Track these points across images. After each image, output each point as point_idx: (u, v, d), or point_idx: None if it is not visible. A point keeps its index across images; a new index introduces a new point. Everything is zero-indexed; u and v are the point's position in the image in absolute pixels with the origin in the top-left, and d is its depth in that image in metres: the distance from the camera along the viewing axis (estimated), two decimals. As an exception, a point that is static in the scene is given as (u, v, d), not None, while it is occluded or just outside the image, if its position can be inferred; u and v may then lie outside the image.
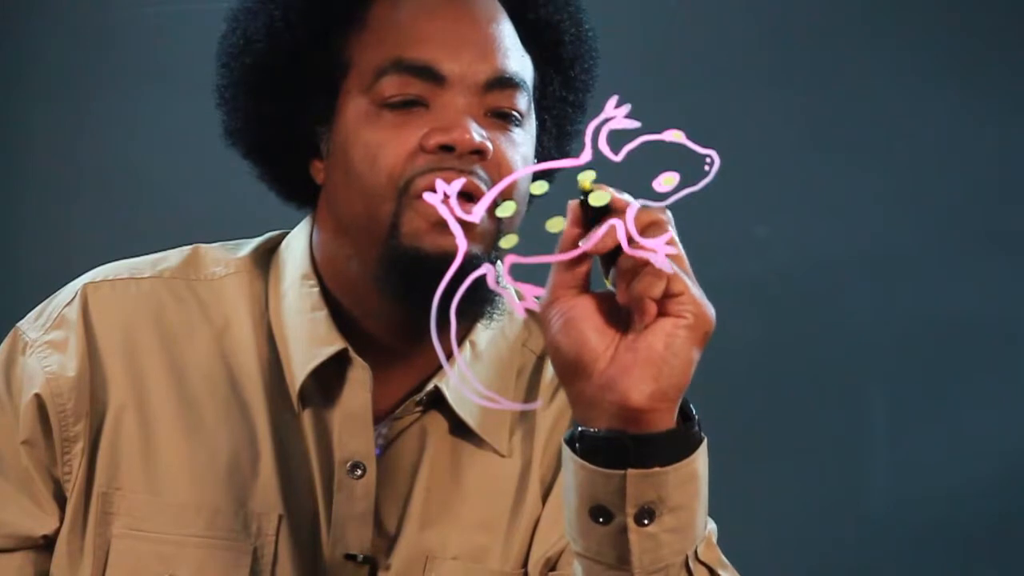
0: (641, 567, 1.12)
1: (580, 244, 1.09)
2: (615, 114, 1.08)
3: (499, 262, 1.16)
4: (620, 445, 1.10)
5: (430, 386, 1.38)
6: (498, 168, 1.30)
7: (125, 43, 2.77)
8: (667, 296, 1.09)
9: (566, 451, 1.13)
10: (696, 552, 1.15)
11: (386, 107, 1.32)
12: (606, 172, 1.10)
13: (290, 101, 1.36)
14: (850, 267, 2.56)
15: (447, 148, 1.30)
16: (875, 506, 2.55)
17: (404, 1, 1.35)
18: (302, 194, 1.41)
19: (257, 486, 1.36)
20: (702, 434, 1.14)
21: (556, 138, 1.42)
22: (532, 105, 1.36)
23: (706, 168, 1.12)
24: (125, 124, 2.76)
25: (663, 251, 1.09)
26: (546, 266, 1.14)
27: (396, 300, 1.31)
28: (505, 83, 1.33)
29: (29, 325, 1.41)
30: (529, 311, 1.45)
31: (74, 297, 1.40)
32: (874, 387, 2.56)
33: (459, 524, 1.38)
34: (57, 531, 1.37)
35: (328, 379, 1.37)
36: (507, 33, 1.35)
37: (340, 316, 1.38)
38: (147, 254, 1.46)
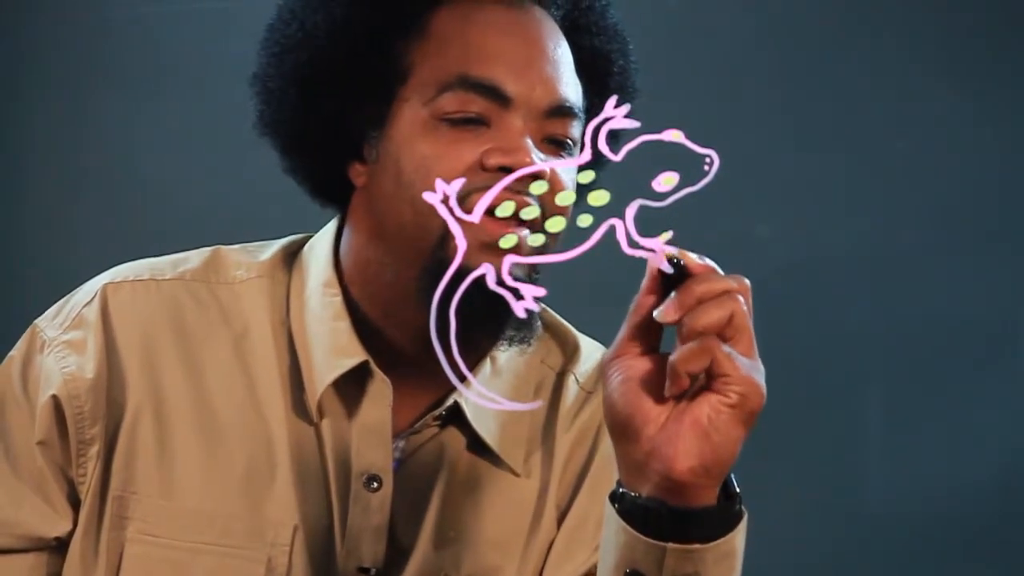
0: None
1: (655, 314, 1.11)
2: (615, 114, 1.08)
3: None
4: (657, 515, 1.12)
5: (449, 401, 1.37)
6: (552, 194, 1.27)
7: (124, 43, 2.77)
8: (714, 374, 1.10)
9: (608, 509, 1.15)
10: None
11: (445, 121, 1.30)
12: (606, 172, 1.10)
13: (342, 100, 1.34)
14: (850, 267, 2.56)
15: (506, 169, 1.27)
16: (874, 506, 2.55)
17: (470, 15, 1.33)
18: (332, 193, 1.40)
19: (273, 495, 1.35)
20: (743, 510, 1.15)
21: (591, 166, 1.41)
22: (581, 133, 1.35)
23: (705, 168, 1.12)
24: (125, 123, 2.76)
25: (662, 251, 1.09)
26: (549, 266, 1.14)
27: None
28: (565, 111, 1.32)
29: (47, 323, 1.39)
30: (557, 332, 1.45)
31: (93, 297, 1.39)
32: (873, 387, 2.56)
33: (473, 543, 1.38)
34: (70, 533, 1.36)
35: (348, 390, 1.36)
36: (568, 60, 1.35)
37: (363, 326, 1.36)
38: (148, 253, 1.44)
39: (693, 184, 1.12)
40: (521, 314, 1.08)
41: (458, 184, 1.07)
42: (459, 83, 1.30)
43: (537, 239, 1.10)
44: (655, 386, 1.13)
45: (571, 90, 1.33)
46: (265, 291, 1.40)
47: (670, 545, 1.12)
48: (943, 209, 2.56)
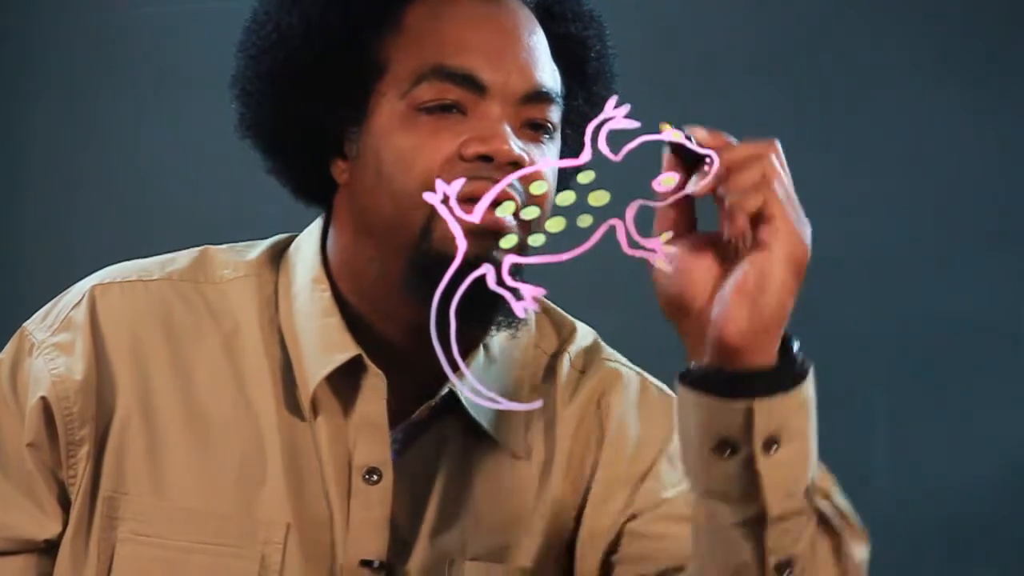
0: (771, 497, 1.14)
1: (689, 190, 1.13)
2: (615, 114, 1.08)
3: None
4: (718, 381, 1.13)
5: (444, 390, 1.38)
6: (533, 180, 1.27)
7: (126, 43, 2.78)
8: (760, 221, 1.12)
9: (681, 390, 1.16)
10: (813, 481, 1.17)
11: (422, 111, 1.31)
12: (606, 172, 1.10)
13: (320, 98, 1.35)
14: (849, 267, 2.56)
15: (485, 158, 1.29)
16: (875, 506, 2.54)
17: (443, 8, 1.34)
18: (316, 192, 1.40)
19: (264, 494, 1.35)
20: (807, 363, 1.15)
21: (574, 153, 1.42)
22: (560, 118, 1.36)
23: (706, 168, 1.13)
24: (126, 124, 2.76)
25: (662, 252, 1.09)
26: (550, 266, 1.14)
27: (422, 304, 1.29)
28: (542, 97, 1.33)
29: (36, 326, 1.40)
30: (544, 305, 1.46)
31: (82, 299, 1.39)
32: (874, 387, 2.56)
33: (477, 526, 1.38)
34: (60, 535, 1.36)
35: (341, 385, 1.36)
36: (543, 46, 1.36)
37: (353, 320, 1.37)
38: (148, 254, 1.45)
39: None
40: (522, 314, 1.09)
41: (458, 184, 1.07)
42: (434, 73, 1.31)
43: (538, 239, 1.10)
44: (699, 260, 1.15)
45: (547, 75, 1.34)
46: (253, 289, 1.41)
47: (756, 401, 1.12)
48: (943, 209, 2.56)
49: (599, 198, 1.08)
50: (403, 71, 1.33)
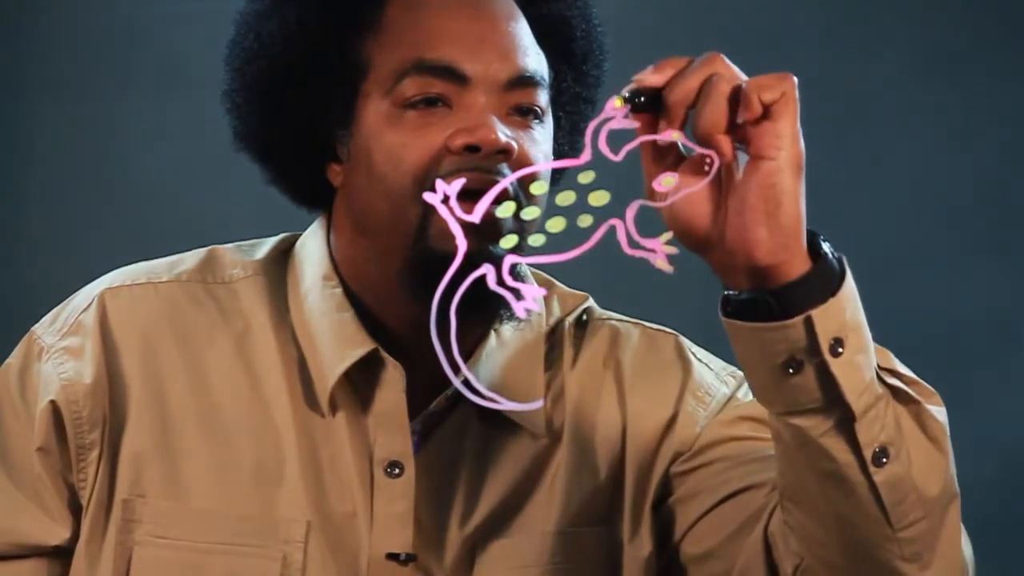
0: (852, 395, 1.14)
1: (667, 136, 1.11)
2: (615, 114, 1.09)
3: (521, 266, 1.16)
4: (767, 303, 1.12)
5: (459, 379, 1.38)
6: (523, 167, 1.29)
7: (126, 43, 2.78)
8: (759, 125, 1.10)
9: (730, 323, 1.15)
10: (876, 361, 1.17)
11: (408, 107, 1.31)
12: (606, 172, 1.10)
13: (306, 105, 1.35)
14: (850, 267, 2.56)
15: (473, 148, 1.29)
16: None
17: (421, 1, 1.34)
18: (315, 197, 1.41)
19: (283, 492, 1.35)
20: (840, 255, 1.15)
21: (569, 134, 1.42)
22: (549, 101, 1.36)
23: (706, 168, 1.13)
24: (127, 124, 2.76)
25: (662, 252, 1.09)
26: (550, 266, 1.14)
27: (422, 302, 1.28)
28: (526, 82, 1.33)
29: (44, 330, 1.39)
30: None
31: (91, 302, 1.39)
32: (874, 387, 2.56)
33: (500, 506, 1.38)
34: (68, 540, 1.36)
35: (359, 380, 1.36)
36: (524, 31, 1.35)
37: (365, 316, 1.37)
38: (154, 256, 1.45)
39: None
40: (522, 315, 1.08)
41: (459, 184, 1.07)
42: (415, 68, 1.31)
43: (538, 239, 1.10)
44: (702, 193, 1.13)
45: (530, 59, 1.34)
46: (262, 288, 1.41)
47: (813, 312, 1.12)
48: (942, 209, 2.56)
49: (599, 198, 1.08)
50: (385, 69, 1.33)
